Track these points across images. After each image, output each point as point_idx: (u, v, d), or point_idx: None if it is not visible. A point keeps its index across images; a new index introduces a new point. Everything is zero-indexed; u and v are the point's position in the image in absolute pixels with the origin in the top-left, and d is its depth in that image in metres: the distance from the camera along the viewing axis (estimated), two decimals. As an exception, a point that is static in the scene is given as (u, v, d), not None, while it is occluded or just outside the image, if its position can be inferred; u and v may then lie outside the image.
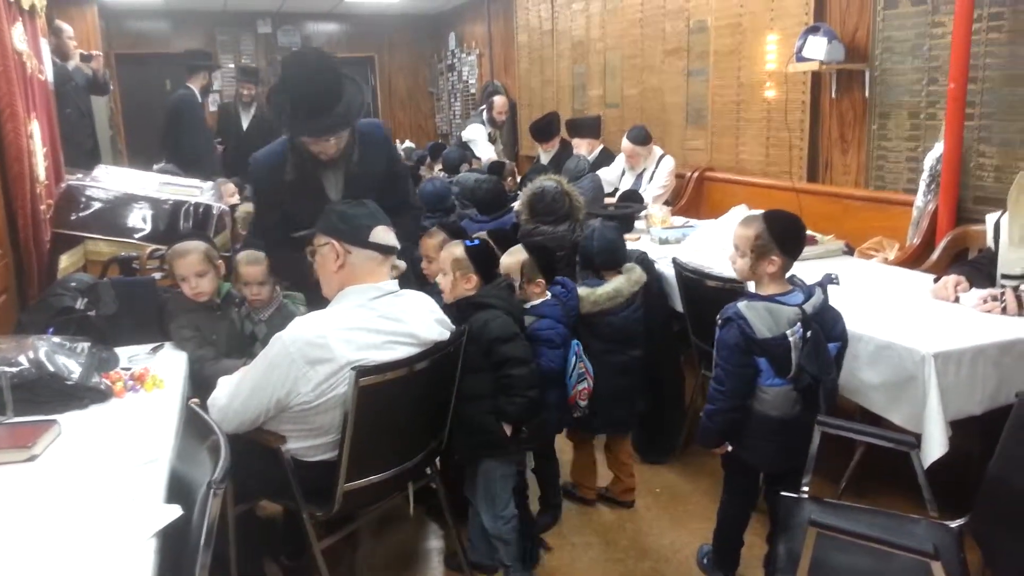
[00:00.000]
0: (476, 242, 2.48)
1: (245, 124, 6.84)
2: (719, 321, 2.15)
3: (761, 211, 2.30)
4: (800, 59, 4.05)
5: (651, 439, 3.32)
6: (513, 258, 2.63)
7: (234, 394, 2.06)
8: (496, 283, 2.48)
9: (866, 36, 3.93)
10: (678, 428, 3.33)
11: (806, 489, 2.15)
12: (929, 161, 3.54)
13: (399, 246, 2.20)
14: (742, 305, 2.11)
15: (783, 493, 2.15)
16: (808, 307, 2.12)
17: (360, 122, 2.69)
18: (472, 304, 2.39)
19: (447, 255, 2.47)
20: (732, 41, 4.88)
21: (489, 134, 6.96)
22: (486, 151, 6.72)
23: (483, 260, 2.45)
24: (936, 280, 2.83)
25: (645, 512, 2.93)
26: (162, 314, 2.60)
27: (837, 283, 2.24)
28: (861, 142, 4.05)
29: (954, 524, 1.99)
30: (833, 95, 4.16)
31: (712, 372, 2.22)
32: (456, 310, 2.41)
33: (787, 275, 2.22)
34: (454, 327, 2.28)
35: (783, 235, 2.17)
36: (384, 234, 2.14)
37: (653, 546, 2.71)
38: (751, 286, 2.29)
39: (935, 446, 2.20)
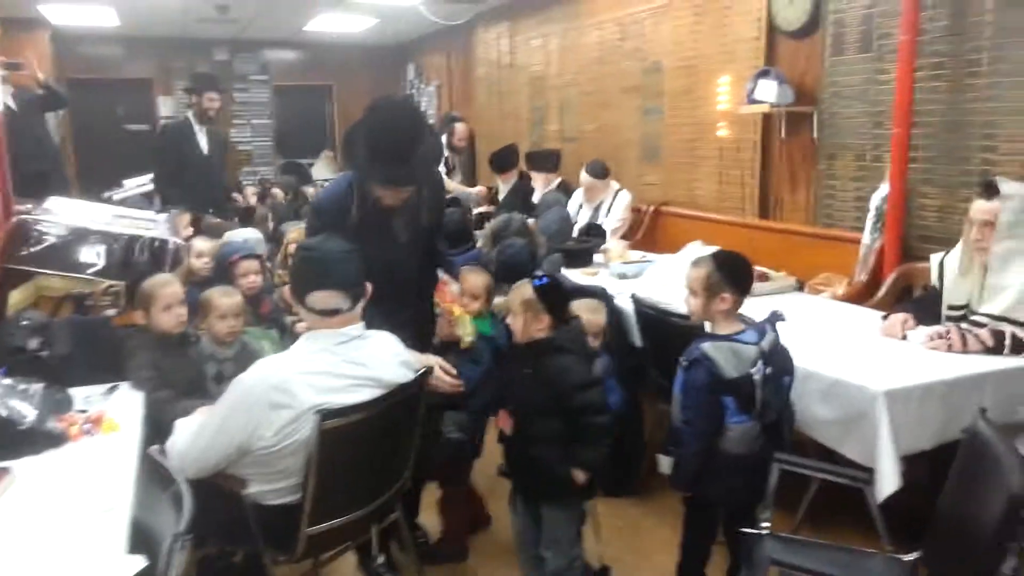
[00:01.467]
0: (544, 280, 2.40)
1: (205, 146, 5.66)
2: (684, 363, 2.20)
3: (711, 251, 2.40)
4: (752, 101, 4.19)
5: (613, 473, 3.34)
6: (480, 278, 2.78)
7: (194, 439, 2.03)
8: (571, 326, 2.43)
9: (814, 81, 4.08)
10: (638, 461, 3.37)
11: (766, 525, 2.19)
12: (875, 201, 3.68)
13: (343, 307, 2.08)
14: (707, 346, 2.16)
15: (744, 529, 2.19)
16: (765, 345, 2.19)
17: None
18: (549, 347, 2.35)
19: (517, 296, 2.40)
20: (686, 81, 5.02)
21: (446, 159, 7.00)
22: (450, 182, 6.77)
23: (553, 298, 2.38)
24: (885, 318, 2.93)
25: (608, 545, 2.94)
26: (118, 353, 2.56)
27: (784, 319, 2.32)
28: (809, 181, 4.19)
29: (908, 558, 2.05)
30: (783, 136, 4.31)
31: (676, 412, 2.26)
32: (528, 351, 2.38)
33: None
34: (415, 369, 2.27)
35: (732, 273, 2.27)
36: (324, 300, 2.06)
37: (617, 580, 2.72)
38: (707, 326, 2.35)
39: (888, 481, 2.27)
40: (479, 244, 4.16)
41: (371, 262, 2.22)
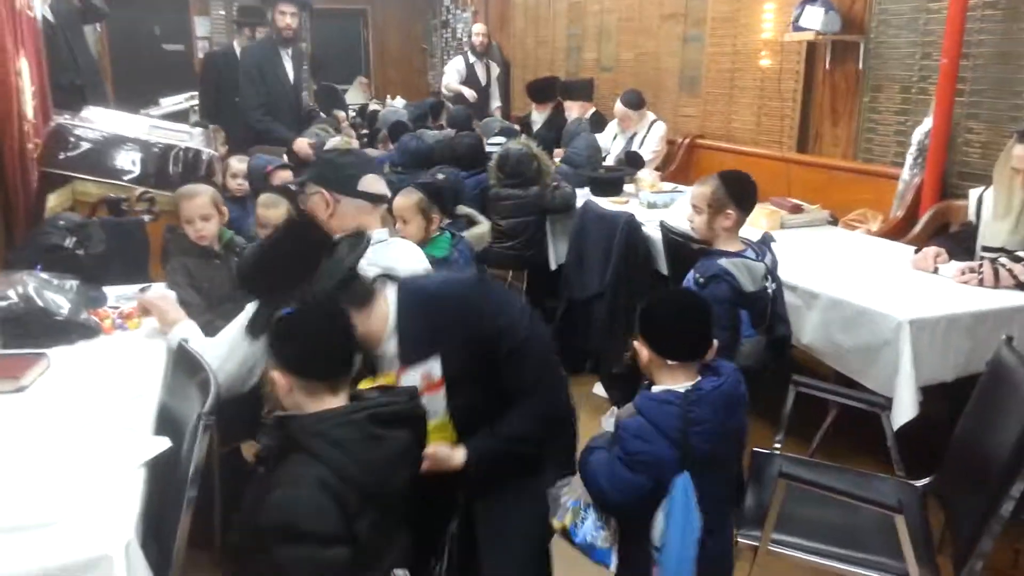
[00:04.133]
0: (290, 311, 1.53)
1: (291, 72, 4.78)
2: (701, 280, 2.19)
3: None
4: (796, 28, 4.05)
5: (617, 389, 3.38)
6: (407, 199, 2.73)
7: (228, 355, 1.91)
8: (361, 402, 1.47)
9: (863, 8, 3.93)
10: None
11: (778, 445, 2.21)
12: (917, 135, 3.58)
13: (389, 194, 2.18)
14: (724, 262, 2.16)
15: (756, 449, 2.21)
16: (768, 262, 2.23)
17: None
18: (288, 438, 1.41)
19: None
20: (730, 7, 4.86)
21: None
22: (452, 79, 6.98)
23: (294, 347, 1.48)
24: (917, 251, 2.88)
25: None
26: (149, 255, 2.61)
27: (774, 240, 2.38)
28: (852, 114, 4.07)
29: (919, 483, 2.06)
30: (827, 66, 4.17)
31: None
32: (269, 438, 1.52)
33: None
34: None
35: (737, 191, 2.27)
36: (374, 182, 2.14)
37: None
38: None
39: (906, 410, 2.27)
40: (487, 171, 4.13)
41: None
